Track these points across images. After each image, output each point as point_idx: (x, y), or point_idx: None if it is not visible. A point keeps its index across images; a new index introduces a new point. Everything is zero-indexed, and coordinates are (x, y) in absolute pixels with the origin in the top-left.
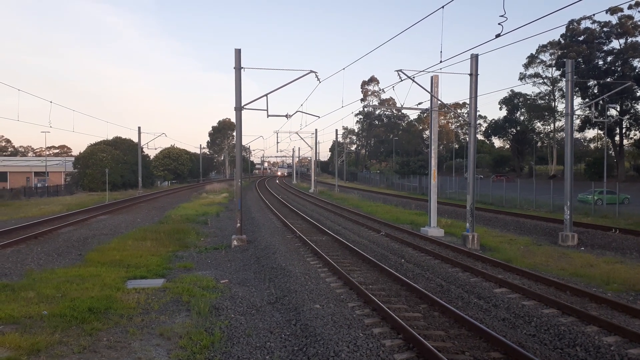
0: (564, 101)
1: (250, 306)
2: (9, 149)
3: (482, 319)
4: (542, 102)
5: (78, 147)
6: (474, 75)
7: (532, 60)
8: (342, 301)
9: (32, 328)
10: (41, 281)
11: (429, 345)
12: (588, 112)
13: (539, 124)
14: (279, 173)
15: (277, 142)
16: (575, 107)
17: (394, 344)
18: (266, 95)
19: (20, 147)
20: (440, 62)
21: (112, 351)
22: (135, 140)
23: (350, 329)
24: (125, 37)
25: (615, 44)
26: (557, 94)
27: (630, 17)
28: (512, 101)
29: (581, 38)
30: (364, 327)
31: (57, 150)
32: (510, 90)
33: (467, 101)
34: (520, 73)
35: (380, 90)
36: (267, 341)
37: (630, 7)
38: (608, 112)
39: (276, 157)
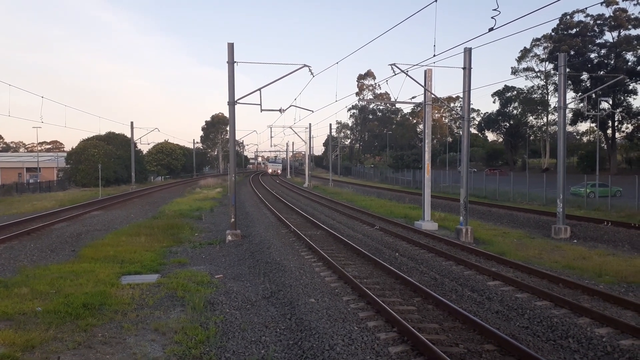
0: (557, 95)
1: (245, 301)
2: (0, 145)
3: (476, 311)
4: (535, 95)
5: (70, 142)
6: (467, 69)
7: (525, 54)
8: (336, 295)
9: (26, 324)
10: (35, 277)
11: (423, 338)
12: (581, 105)
13: (531, 118)
14: (270, 170)
15: (271, 137)
16: (568, 101)
17: (388, 337)
18: (259, 89)
19: (12, 142)
20: (434, 55)
21: (107, 347)
22: (128, 135)
23: (345, 323)
24: (118, 32)
25: (608, 37)
26: (550, 87)
27: (625, 10)
28: (504, 94)
29: (574, 31)
30: (359, 321)
31: (49, 146)
32: (504, 85)
33: (461, 95)
34: (512, 68)
35: (375, 84)
36: (262, 335)
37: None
38: (600, 106)
39: (270, 151)
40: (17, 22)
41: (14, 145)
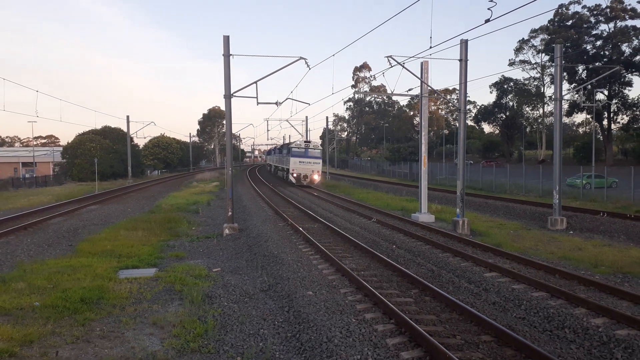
0: (553, 86)
1: (243, 294)
2: None
3: (473, 303)
4: (532, 87)
5: (66, 136)
6: (463, 61)
7: (522, 45)
8: (334, 287)
9: (24, 319)
10: (32, 272)
11: (421, 329)
12: (576, 96)
13: (527, 109)
14: (296, 174)
15: (268, 130)
16: (564, 92)
17: (386, 329)
18: (256, 82)
19: (7, 137)
20: (430, 47)
21: (106, 341)
22: (124, 129)
23: (343, 315)
24: (113, 25)
25: (604, 28)
26: (546, 79)
27: (621, 1)
28: (502, 86)
29: (569, 23)
30: (356, 313)
31: (44, 140)
32: (502, 76)
33: (457, 87)
34: (509, 59)
35: (371, 77)
36: (260, 328)
37: None
38: (596, 97)
39: (267, 145)
40: (12, 15)
41: (9, 140)
